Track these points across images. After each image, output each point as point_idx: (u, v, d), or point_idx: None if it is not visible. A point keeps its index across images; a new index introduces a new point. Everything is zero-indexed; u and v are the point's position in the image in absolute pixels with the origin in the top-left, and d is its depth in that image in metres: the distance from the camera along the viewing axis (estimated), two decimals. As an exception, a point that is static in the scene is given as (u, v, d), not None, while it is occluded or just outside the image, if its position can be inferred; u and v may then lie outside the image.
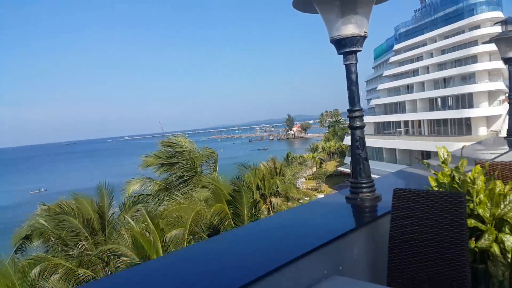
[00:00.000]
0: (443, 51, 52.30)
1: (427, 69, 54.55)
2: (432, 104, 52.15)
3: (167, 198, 18.24)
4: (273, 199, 27.21)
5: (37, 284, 12.42)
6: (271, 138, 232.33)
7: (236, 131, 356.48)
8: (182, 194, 17.80)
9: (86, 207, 15.53)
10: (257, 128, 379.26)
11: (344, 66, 2.86)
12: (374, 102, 65.12)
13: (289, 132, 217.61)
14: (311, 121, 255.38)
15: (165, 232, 13.23)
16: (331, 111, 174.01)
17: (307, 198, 31.53)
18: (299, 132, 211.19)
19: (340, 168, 62.86)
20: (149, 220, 12.07)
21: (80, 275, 13.58)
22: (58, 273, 13.93)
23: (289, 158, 65.01)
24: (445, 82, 51.15)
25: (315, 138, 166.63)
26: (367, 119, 63.91)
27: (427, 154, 43.68)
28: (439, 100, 51.39)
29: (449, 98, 48.38)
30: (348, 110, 2.91)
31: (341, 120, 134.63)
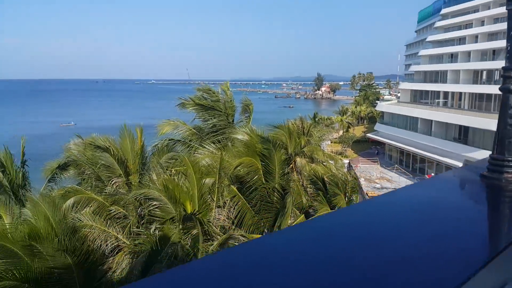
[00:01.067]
0: (496, 19, 48.51)
1: (475, 38, 51.04)
2: (476, 76, 49.22)
3: (197, 146, 18.15)
4: (298, 159, 26.90)
5: (71, 215, 12.73)
6: (298, 96, 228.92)
7: (263, 86, 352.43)
8: (214, 143, 17.63)
9: (123, 145, 15.57)
10: (284, 85, 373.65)
11: (507, 12, 2.27)
12: (413, 68, 62.11)
13: (316, 91, 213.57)
14: (341, 83, 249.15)
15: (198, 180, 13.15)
16: (363, 74, 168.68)
17: (332, 162, 31.11)
18: (327, 93, 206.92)
19: (368, 135, 61.52)
20: (190, 165, 11.92)
21: (111, 211, 13.87)
22: (90, 206, 14.29)
23: (316, 119, 64.02)
24: (494, 54, 47.85)
25: (344, 100, 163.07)
26: (404, 85, 61.41)
27: (465, 130, 41.89)
28: (484, 73, 48.40)
29: (496, 72, 45.47)
30: (504, 68, 2.33)
31: (373, 84, 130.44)
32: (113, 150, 15.29)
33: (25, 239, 8.88)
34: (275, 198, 12.98)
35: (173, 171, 14.61)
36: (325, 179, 14.83)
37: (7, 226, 11.93)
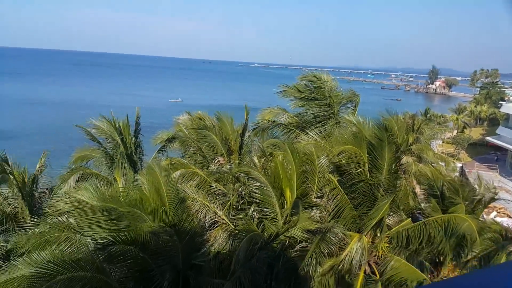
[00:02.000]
0: None
1: None
2: None
3: (298, 132, 18.08)
4: (404, 157, 25.26)
5: (177, 186, 13.75)
6: (407, 89, 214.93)
7: (368, 75, 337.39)
8: (317, 133, 17.38)
9: (226, 125, 16.24)
10: (393, 76, 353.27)
11: None
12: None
13: (429, 85, 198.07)
14: (458, 78, 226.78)
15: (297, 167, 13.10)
16: (487, 70, 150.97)
17: (442, 164, 28.57)
18: (441, 88, 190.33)
19: (488, 138, 55.18)
20: (290, 152, 11.97)
21: (212, 188, 14.66)
22: (194, 180, 15.28)
23: (428, 115, 59.26)
24: None
25: (461, 97, 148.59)
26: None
27: None
28: None
29: None
30: None
31: (498, 83, 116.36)
32: (217, 130, 16.02)
33: (135, 204, 9.80)
34: (379, 195, 12.34)
35: (273, 157, 14.83)
36: (444, 183, 13.61)
37: (120, 190, 13.41)
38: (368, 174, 14.29)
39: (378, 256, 12.52)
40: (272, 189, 11.73)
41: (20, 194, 15.62)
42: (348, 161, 14.11)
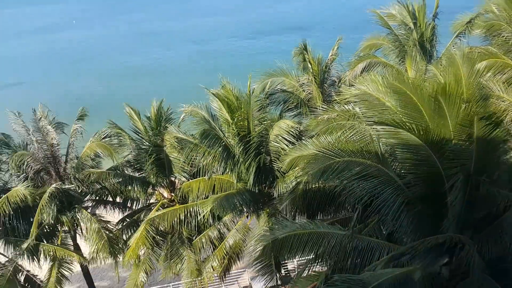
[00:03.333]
0: None
1: None
2: None
3: None
4: None
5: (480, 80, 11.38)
6: None
7: None
8: None
9: None
10: None
11: None
12: None
13: None
14: None
15: None
16: None
17: None
18: None
19: None
20: None
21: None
22: (504, 73, 12.36)
23: None
24: None
25: None
26: None
27: None
28: None
29: None
30: None
31: None
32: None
33: (430, 96, 8.55)
34: None
35: None
36: None
37: (410, 81, 12.22)
38: None
39: None
40: None
41: (314, 81, 17.03)
42: None
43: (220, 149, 14.31)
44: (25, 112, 17.11)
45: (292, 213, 12.10)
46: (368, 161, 8.69)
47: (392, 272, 7.26)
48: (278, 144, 13.94)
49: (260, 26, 78.67)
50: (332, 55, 18.16)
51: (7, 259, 15.21)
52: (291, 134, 13.82)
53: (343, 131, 10.36)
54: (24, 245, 14.37)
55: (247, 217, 16.08)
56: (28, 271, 15.99)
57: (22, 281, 15.76)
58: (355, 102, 11.12)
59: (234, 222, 15.86)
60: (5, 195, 13.97)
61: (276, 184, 14.07)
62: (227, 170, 14.67)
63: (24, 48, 79.20)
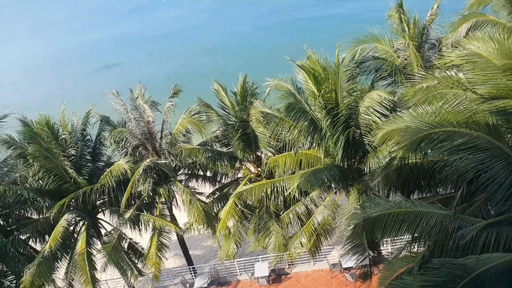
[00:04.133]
0: None
1: None
2: None
3: None
4: None
5: None
6: None
7: None
8: None
9: None
10: None
11: None
12: None
13: None
14: None
15: None
16: None
17: None
18: None
19: None
20: None
21: None
22: None
23: None
24: None
25: None
26: None
27: None
28: None
29: None
30: None
31: None
32: None
33: None
34: None
35: None
36: None
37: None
38: None
39: None
40: None
41: (411, 45, 15.56)
42: None
43: (306, 123, 14.00)
44: (122, 92, 18.35)
45: (385, 191, 11.47)
46: (475, 132, 7.77)
47: (502, 257, 6.46)
48: (369, 117, 13.18)
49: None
50: (431, 15, 16.36)
51: (112, 227, 16.90)
52: (383, 106, 12.96)
53: (445, 101, 9.36)
54: (127, 215, 15.76)
55: (336, 193, 15.70)
56: (130, 238, 17.65)
57: (125, 247, 17.45)
58: (459, 66, 9.95)
59: (322, 198, 15.60)
60: (109, 169, 15.37)
61: (367, 159, 13.41)
62: (314, 145, 14.35)
63: (121, 30, 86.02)
